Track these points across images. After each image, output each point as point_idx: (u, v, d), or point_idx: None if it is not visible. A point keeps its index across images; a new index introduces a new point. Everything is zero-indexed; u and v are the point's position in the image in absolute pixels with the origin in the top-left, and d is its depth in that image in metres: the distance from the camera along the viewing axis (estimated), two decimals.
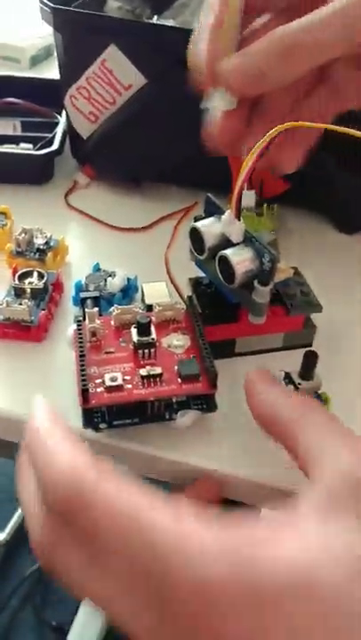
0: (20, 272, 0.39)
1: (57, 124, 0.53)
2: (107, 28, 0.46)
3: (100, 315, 0.34)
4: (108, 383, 0.30)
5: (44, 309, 0.37)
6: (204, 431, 0.32)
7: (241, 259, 0.32)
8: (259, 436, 0.28)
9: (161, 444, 0.32)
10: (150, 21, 0.54)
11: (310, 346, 0.37)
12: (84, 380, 0.30)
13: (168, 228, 0.47)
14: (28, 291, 0.38)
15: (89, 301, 0.36)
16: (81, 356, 0.31)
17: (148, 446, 0.31)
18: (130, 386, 0.30)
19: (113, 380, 0.30)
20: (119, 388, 0.30)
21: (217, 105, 0.30)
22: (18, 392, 0.34)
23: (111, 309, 0.34)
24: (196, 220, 0.34)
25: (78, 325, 0.33)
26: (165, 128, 0.47)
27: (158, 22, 0.53)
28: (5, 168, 0.50)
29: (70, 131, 0.51)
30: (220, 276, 0.33)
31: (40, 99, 0.55)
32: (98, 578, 0.20)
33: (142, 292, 0.38)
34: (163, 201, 0.50)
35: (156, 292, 0.35)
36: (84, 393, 0.29)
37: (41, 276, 0.39)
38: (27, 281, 0.38)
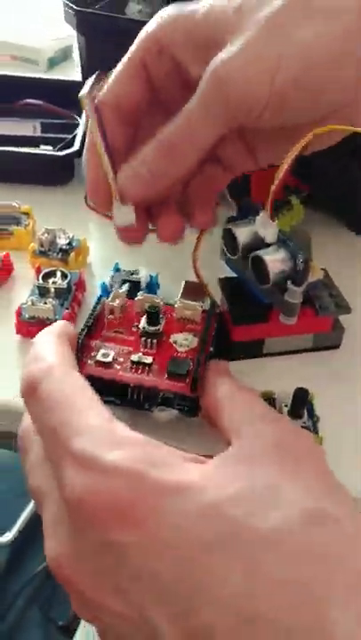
0: (43, 272, 0.39)
1: (76, 125, 0.54)
2: (128, 30, 0.46)
3: (131, 299, 0.34)
4: (99, 358, 0.31)
5: (67, 309, 0.38)
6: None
7: (275, 259, 0.32)
8: None
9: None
10: None
11: (338, 347, 0.38)
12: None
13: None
14: (52, 290, 0.38)
15: (126, 285, 0.37)
16: (86, 326, 0.32)
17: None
18: (118, 367, 0.31)
19: (105, 356, 0.31)
20: (108, 365, 0.31)
21: (120, 222, 0.31)
22: None
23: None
24: (229, 220, 0.35)
25: (98, 300, 0.34)
26: None
27: None
28: (26, 169, 0.51)
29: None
30: (253, 276, 0.34)
31: (59, 100, 0.56)
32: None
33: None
34: None
35: (193, 291, 0.35)
36: None
37: (64, 275, 0.39)
38: (50, 280, 0.39)
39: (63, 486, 0.21)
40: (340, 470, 0.23)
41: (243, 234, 0.34)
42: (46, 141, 0.53)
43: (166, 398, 0.31)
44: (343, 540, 0.20)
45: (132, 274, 0.40)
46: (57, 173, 0.51)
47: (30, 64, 0.70)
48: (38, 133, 0.55)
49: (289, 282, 0.32)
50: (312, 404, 0.33)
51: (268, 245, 0.33)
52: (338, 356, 0.38)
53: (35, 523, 1.09)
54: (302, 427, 0.32)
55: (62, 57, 0.72)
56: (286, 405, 0.32)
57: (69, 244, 0.42)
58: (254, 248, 0.33)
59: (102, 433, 0.22)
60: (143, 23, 0.51)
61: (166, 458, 0.21)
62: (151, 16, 0.59)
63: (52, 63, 0.71)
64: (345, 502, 0.22)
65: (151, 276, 0.40)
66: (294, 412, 0.32)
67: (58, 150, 0.51)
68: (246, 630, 0.19)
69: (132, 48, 0.30)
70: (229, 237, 0.35)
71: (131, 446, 0.21)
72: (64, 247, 0.42)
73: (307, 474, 0.22)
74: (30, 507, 1.09)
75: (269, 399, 0.33)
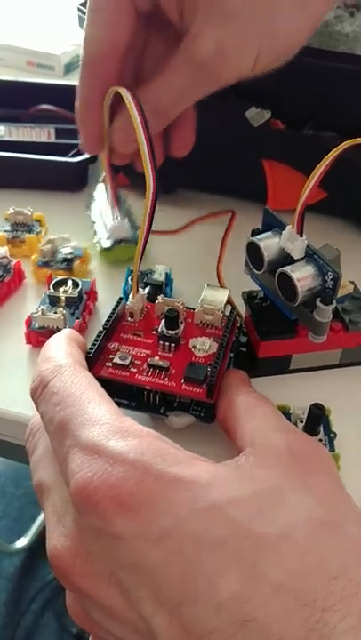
0: (54, 280, 0.39)
1: None
2: None
3: (153, 302, 0.34)
4: (117, 360, 0.31)
5: (78, 318, 0.37)
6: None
7: (303, 276, 0.31)
8: None
9: None
10: None
11: None
12: (91, 349, 0.30)
13: (200, 232, 0.47)
14: (63, 299, 0.37)
15: (149, 288, 0.37)
16: (104, 328, 0.32)
17: None
18: (135, 370, 0.31)
19: (122, 359, 0.31)
20: (125, 367, 0.31)
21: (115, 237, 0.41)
22: None
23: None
24: (254, 233, 0.34)
25: (118, 302, 0.33)
26: (199, 136, 0.47)
27: None
28: (40, 175, 0.50)
29: None
30: (279, 291, 0.33)
31: (74, 106, 0.55)
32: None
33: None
34: (194, 207, 0.49)
35: (214, 296, 0.34)
36: (88, 360, 0.29)
37: (75, 284, 0.39)
38: (61, 289, 0.38)
39: (70, 474, 0.21)
40: (359, 487, 0.23)
41: (269, 249, 0.33)
42: (61, 147, 0.52)
43: (182, 403, 0.31)
44: (347, 549, 0.20)
45: (147, 274, 0.40)
46: (71, 179, 0.51)
47: (47, 70, 0.70)
48: (53, 139, 0.55)
49: (318, 300, 0.31)
50: (328, 420, 0.32)
51: (295, 260, 0.32)
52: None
53: None
54: None
55: (78, 62, 0.71)
56: (302, 421, 0.31)
57: (71, 252, 0.42)
58: (280, 263, 0.32)
59: (111, 425, 0.22)
60: None
61: (174, 453, 0.21)
62: None
63: (68, 69, 0.70)
64: (352, 514, 0.21)
65: (167, 274, 0.40)
66: (309, 429, 0.31)
67: (71, 157, 0.51)
68: (242, 632, 0.18)
69: None
70: (254, 251, 0.33)
71: (139, 438, 0.21)
72: (68, 256, 0.41)
73: (316, 483, 0.21)
74: None
75: (284, 414, 0.32)
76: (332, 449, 0.31)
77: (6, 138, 0.54)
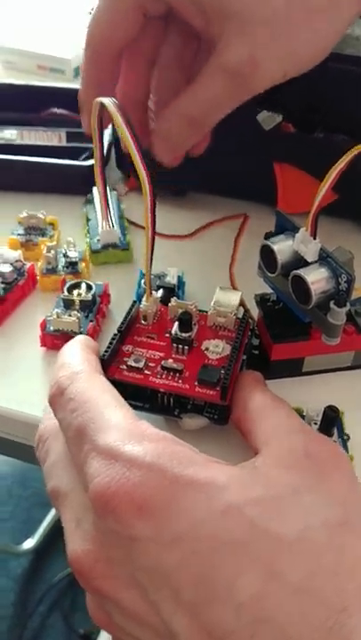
0: (68, 284, 0.39)
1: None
2: None
3: (166, 304, 0.34)
4: (131, 363, 0.31)
5: (92, 321, 0.37)
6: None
7: (317, 279, 0.31)
8: None
9: None
10: None
11: None
12: (106, 351, 0.31)
13: (212, 236, 0.48)
14: (77, 302, 0.38)
15: (162, 291, 0.37)
16: (118, 331, 0.32)
17: None
18: (149, 372, 0.31)
19: (137, 361, 0.31)
20: (139, 370, 0.31)
21: (104, 241, 0.44)
22: None
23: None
24: (267, 236, 0.34)
25: (132, 305, 0.34)
26: (211, 139, 0.47)
27: None
28: (52, 178, 0.51)
29: (116, 142, 0.51)
30: (292, 294, 0.33)
31: None
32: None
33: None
34: (205, 210, 0.50)
35: (226, 299, 0.35)
36: (102, 362, 0.30)
37: (89, 287, 0.39)
38: (75, 292, 0.39)
39: (88, 479, 0.21)
40: None
41: (282, 253, 0.33)
42: (72, 150, 0.53)
43: (196, 405, 0.31)
44: None
45: (159, 277, 0.40)
46: (82, 183, 0.51)
47: (57, 73, 0.70)
48: (64, 143, 0.55)
49: (332, 302, 0.31)
50: (341, 422, 0.32)
51: (308, 263, 0.32)
52: None
53: (57, 530, 1.09)
54: None
55: None
56: (316, 423, 0.31)
57: (77, 256, 0.42)
58: (294, 266, 0.32)
59: (128, 430, 0.22)
60: None
61: (190, 455, 0.22)
62: None
63: (79, 73, 0.71)
64: None
65: (179, 276, 0.40)
66: (324, 431, 0.31)
67: (83, 160, 0.51)
68: (260, 632, 0.18)
69: None
70: (267, 254, 0.34)
71: (155, 442, 0.22)
72: (73, 260, 0.42)
73: (332, 484, 0.22)
74: (52, 514, 1.10)
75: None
76: (346, 451, 0.31)
77: (18, 141, 0.54)
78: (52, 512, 1.09)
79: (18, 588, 1.06)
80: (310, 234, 0.31)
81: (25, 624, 1.02)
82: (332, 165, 0.30)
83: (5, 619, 1.03)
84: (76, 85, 0.66)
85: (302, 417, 0.32)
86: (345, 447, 0.31)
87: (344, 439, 0.32)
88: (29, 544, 1.08)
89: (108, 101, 0.32)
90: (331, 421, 0.30)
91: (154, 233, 0.31)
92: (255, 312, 0.37)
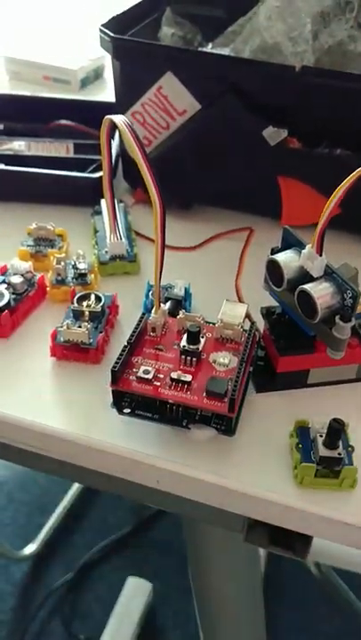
0: (78, 295, 0.40)
1: None
2: (164, 56, 0.47)
3: (174, 316, 0.35)
4: (140, 374, 0.32)
5: (101, 332, 0.38)
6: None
7: (322, 294, 0.32)
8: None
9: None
10: (205, 49, 0.55)
11: None
12: (117, 363, 0.31)
13: (217, 249, 0.48)
14: (87, 313, 0.38)
15: (170, 302, 0.38)
16: (128, 342, 0.33)
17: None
18: (158, 383, 0.32)
19: (146, 373, 0.32)
20: (148, 381, 0.32)
21: (112, 253, 0.45)
22: (76, 411, 0.35)
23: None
24: (273, 252, 0.35)
25: (141, 317, 0.34)
26: (217, 153, 0.48)
27: (213, 50, 0.54)
28: (59, 190, 0.51)
29: (123, 154, 0.52)
30: (298, 308, 0.33)
31: (93, 121, 0.56)
32: None
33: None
34: (211, 223, 0.51)
35: (233, 311, 0.35)
36: (113, 374, 0.31)
37: (98, 298, 0.40)
38: (85, 303, 0.39)
39: None
40: None
41: (288, 268, 0.34)
42: (79, 162, 0.53)
43: (203, 416, 0.32)
44: None
45: (167, 289, 0.41)
46: (89, 195, 0.52)
47: (63, 84, 0.71)
48: (71, 154, 0.56)
49: (337, 317, 0.32)
50: (346, 434, 0.33)
51: (314, 278, 0.33)
52: None
53: (57, 535, 1.10)
54: (337, 457, 0.31)
55: (94, 77, 0.73)
56: (321, 435, 0.32)
57: (86, 268, 0.43)
58: (299, 281, 0.33)
59: None
60: (182, 51, 0.52)
61: None
62: (184, 39, 0.60)
63: (84, 83, 0.72)
64: None
65: (186, 288, 0.41)
66: (329, 444, 0.31)
67: (91, 172, 0.52)
68: None
69: None
70: (274, 269, 0.35)
71: None
72: (83, 271, 0.42)
73: None
74: (53, 519, 1.10)
75: (304, 429, 0.33)
76: (350, 462, 0.32)
77: (26, 152, 0.55)
78: (53, 517, 1.10)
79: (18, 593, 1.06)
80: (316, 251, 0.32)
81: (25, 629, 1.02)
82: (336, 180, 0.31)
83: (5, 624, 1.03)
84: (82, 97, 0.67)
85: (308, 429, 0.33)
86: (350, 458, 0.32)
87: (349, 451, 0.32)
88: (30, 549, 1.08)
89: (118, 119, 0.32)
90: (336, 434, 0.31)
91: (163, 247, 0.32)
92: (260, 324, 0.38)
